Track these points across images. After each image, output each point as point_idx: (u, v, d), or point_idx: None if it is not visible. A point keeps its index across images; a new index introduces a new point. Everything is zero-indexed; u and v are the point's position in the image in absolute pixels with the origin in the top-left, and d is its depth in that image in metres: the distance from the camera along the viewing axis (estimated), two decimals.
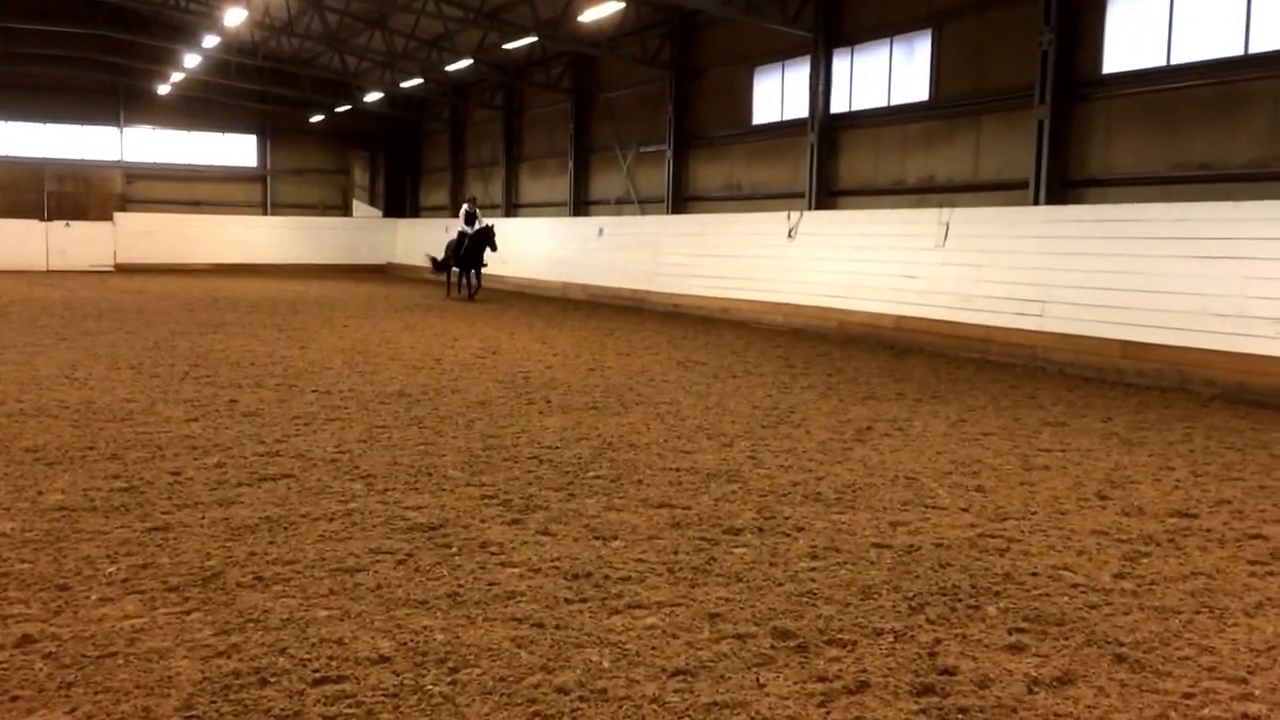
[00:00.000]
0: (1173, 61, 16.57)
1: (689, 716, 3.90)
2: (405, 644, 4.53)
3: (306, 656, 4.38)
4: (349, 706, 3.95)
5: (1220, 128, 15.95)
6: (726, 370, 14.40)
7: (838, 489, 7.58)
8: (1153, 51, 16.88)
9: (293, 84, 43.35)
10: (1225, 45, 15.82)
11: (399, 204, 49.82)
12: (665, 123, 29.35)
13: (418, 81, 38.93)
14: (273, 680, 4.15)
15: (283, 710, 3.92)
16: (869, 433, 9.94)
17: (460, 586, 5.29)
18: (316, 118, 46.06)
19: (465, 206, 28.61)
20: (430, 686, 4.12)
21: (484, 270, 28.36)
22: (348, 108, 43.79)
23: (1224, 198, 14.66)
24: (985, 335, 16.42)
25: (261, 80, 42.66)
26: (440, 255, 29.77)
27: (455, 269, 28.62)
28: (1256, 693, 4.26)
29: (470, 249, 27.64)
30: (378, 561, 5.67)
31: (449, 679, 4.19)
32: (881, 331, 18.55)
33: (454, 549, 5.92)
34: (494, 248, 27.45)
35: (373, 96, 42.04)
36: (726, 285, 23.37)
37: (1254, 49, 15.44)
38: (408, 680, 4.17)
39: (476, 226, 27.60)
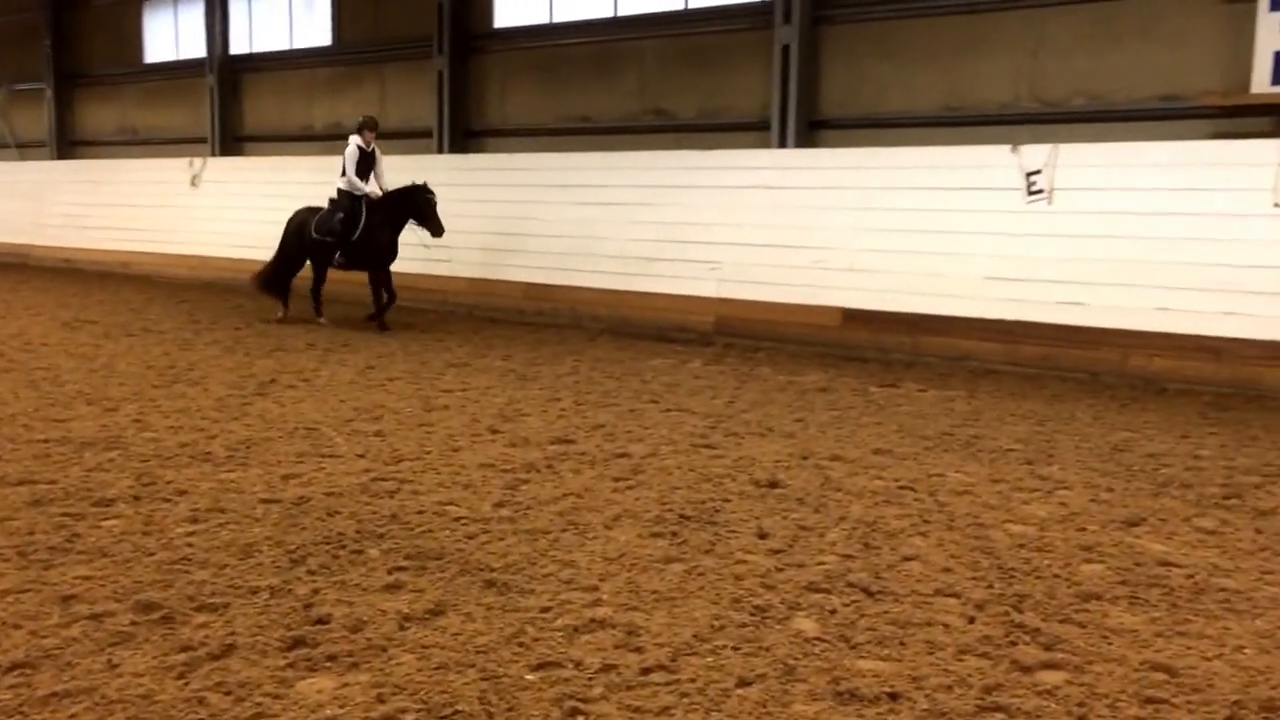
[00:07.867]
0: (555, 19, 17.58)
1: (21, 713, 3.53)
2: None
3: None
4: None
5: (599, 84, 17.19)
6: (121, 329, 13.38)
7: (230, 446, 7.30)
8: (538, 8, 17.79)
9: None
10: (599, 6, 17.02)
11: None
12: (44, 58, 26.53)
13: None
14: None
15: None
16: (272, 385, 9.68)
17: None
18: None
19: (355, 139, 13.89)
20: None
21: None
22: None
23: (604, 148, 15.87)
24: (402, 283, 16.54)
25: None
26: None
27: (341, 265, 14.44)
28: (605, 598, 4.64)
29: (375, 228, 13.94)
30: None
31: None
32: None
33: None
34: (437, 230, 13.67)
35: None
36: (126, 237, 21.70)
37: (623, 11, 16.76)
38: None
39: (375, 182, 14.11)
